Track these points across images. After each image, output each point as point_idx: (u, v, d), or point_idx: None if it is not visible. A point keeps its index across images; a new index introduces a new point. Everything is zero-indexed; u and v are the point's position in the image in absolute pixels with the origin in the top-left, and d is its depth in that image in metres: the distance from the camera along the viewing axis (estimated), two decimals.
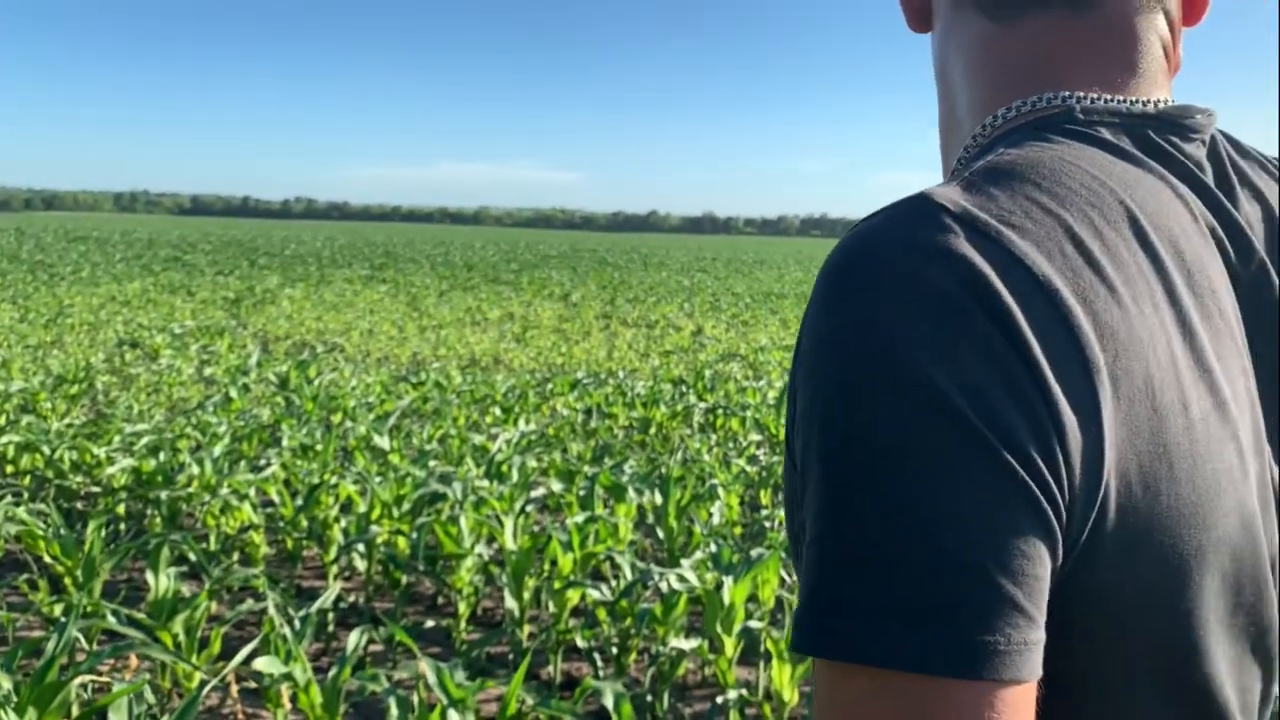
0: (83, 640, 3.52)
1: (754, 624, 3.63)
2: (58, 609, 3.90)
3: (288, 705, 3.23)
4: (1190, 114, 0.66)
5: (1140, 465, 0.53)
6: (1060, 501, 0.50)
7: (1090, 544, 0.52)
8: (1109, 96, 0.65)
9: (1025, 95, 0.66)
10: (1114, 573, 0.53)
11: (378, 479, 5.05)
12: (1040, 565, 0.49)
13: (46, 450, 5.87)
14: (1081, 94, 0.65)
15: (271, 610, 3.34)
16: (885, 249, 0.53)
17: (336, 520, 4.90)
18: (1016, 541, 0.48)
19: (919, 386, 0.49)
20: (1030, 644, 0.48)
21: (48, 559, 4.37)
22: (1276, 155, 0.71)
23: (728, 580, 3.63)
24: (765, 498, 5.99)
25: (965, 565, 0.47)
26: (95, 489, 5.75)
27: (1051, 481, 0.50)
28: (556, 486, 5.04)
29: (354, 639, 3.40)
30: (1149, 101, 0.66)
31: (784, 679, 3.48)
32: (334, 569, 4.81)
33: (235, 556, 4.98)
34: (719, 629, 3.60)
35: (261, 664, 3.01)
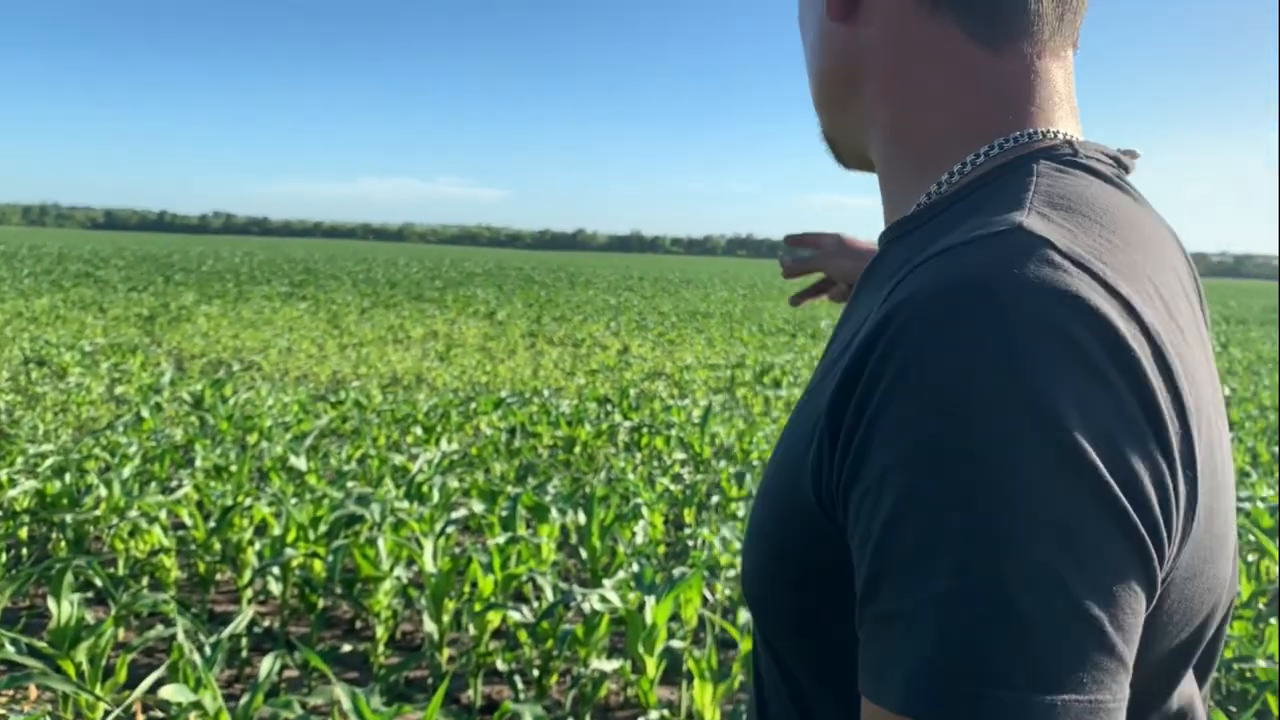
0: None
1: (676, 644, 3.62)
2: None
3: None
4: (1130, 154, 0.69)
5: (1207, 503, 0.54)
6: (1165, 551, 0.51)
7: (1165, 581, 0.53)
8: (1073, 134, 0.68)
9: (1023, 125, 0.66)
10: (1169, 603, 0.54)
11: (293, 500, 4.94)
12: (1140, 619, 0.50)
13: None
14: (1064, 130, 0.67)
15: (180, 636, 3.23)
16: (1012, 288, 0.51)
17: (251, 543, 4.78)
18: (1132, 602, 0.49)
19: (1066, 444, 0.48)
20: (1125, 698, 0.48)
21: None
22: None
23: (650, 600, 3.62)
24: (689, 516, 6.00)
25: (1099, 630, 0.47)
26: None
27: (1164, 534, 0.50)
28: (478, 507, 4.98)
29: (267, 665, 3.31)
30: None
31: (705, 699, 3.48)
32: (248, 593, 4.69)
33: (145, 581, 4.83)
34: (641, 649, 3.59)
35: (169, 692, 2.91)
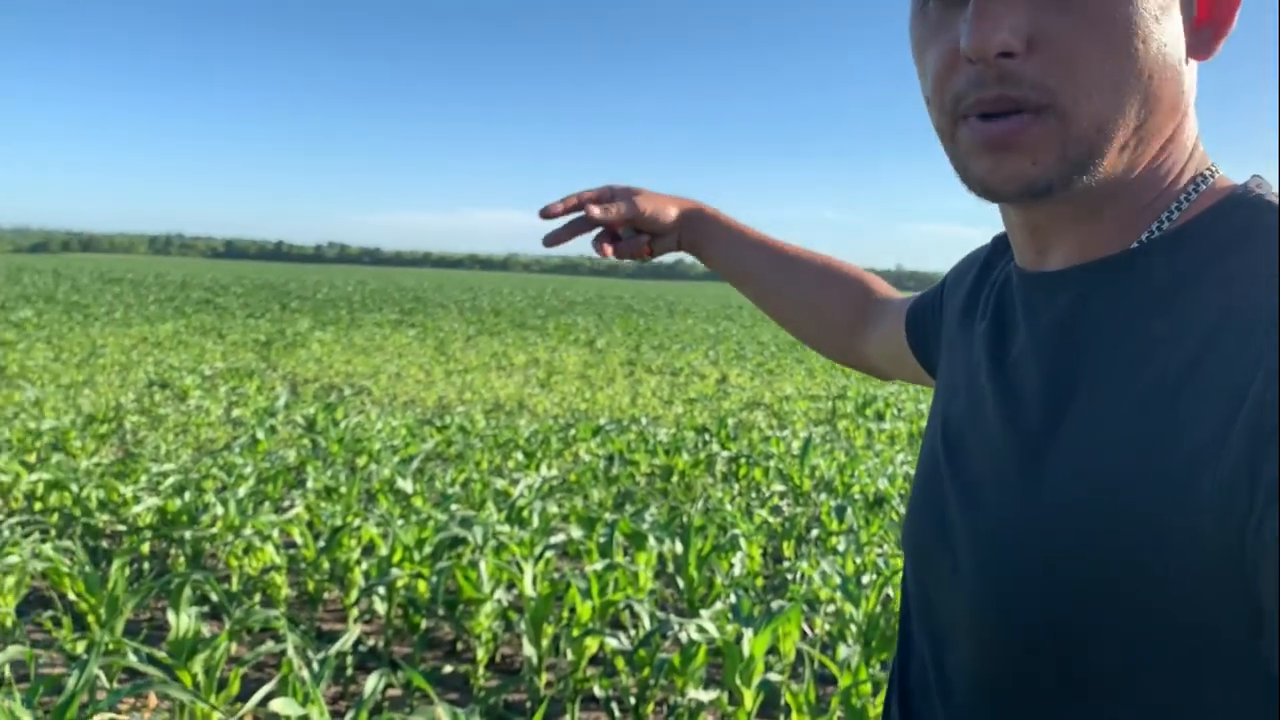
0: (104, 678, 3.53)
1: (774, 676, 3.59)
2: (80, 646, 3.92)
3: None
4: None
5: None
6: None
7: None
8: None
9: (1203, 162, 0.71)
10: None
11: (400, 522, 5.07)
12: None
13: (75, 488, 5.93)
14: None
15: (290, 652, 3.34)
16: None
17: (358, 563, 4.91)
18: None
19: None
20: None
21: (72, 596, 4.40)
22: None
23: (748, 632, 3.60)
24: (788, 549, 5.96)
25: None
26: (121, 527, 5.79)
27: None
28: (576, 533, 5.03)
29: (372, 683, 3.39)
30: None
31: None
32: (354, 612, 4.81)
33: (257, 597, 5.00)
34: (738, 681, 3.57)
35: (278, 705, 3.01)
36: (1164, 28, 0.63)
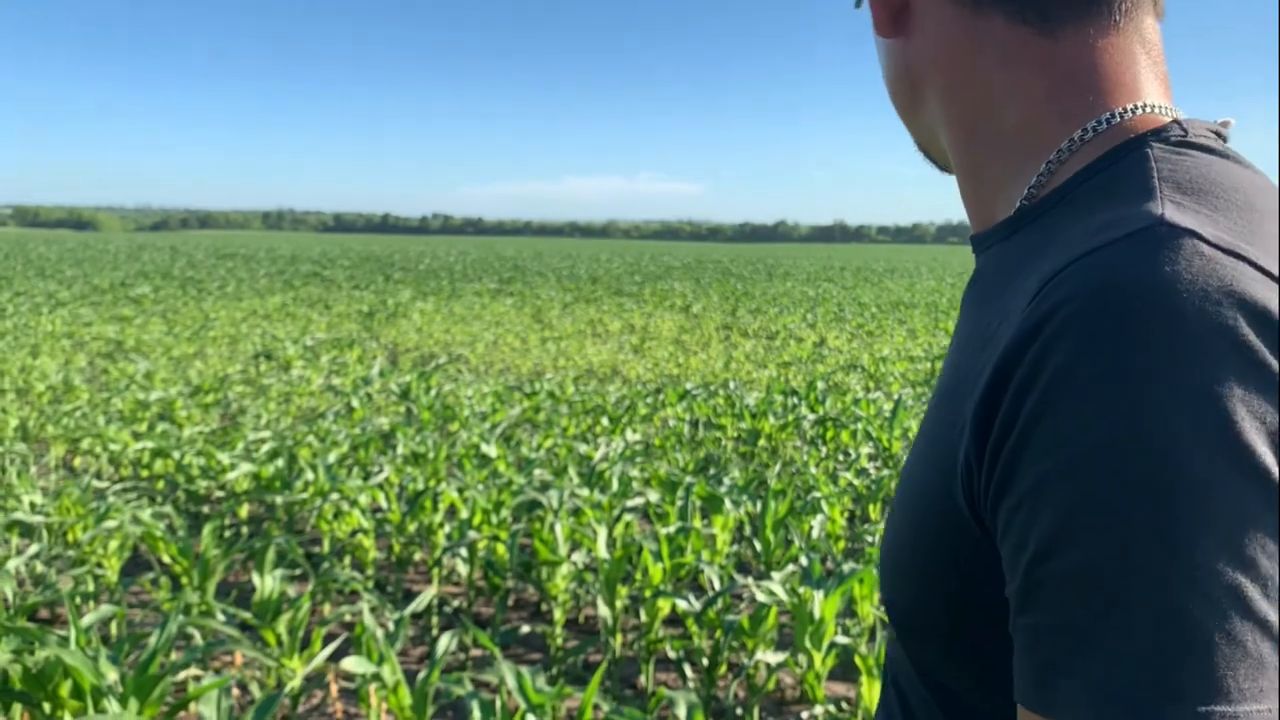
0: (198, 637, 3.69)
1: (843, 639, 3.55)
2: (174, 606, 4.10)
3: (376, 705, 3.32)
4: (1225, 124, 0.67)
5: None
6: None
7: None
8: (1168, 108, 0.65)
9: (1106, 106, 0.64)
10: None
11: (479, 487, 5.15)
12: None
13: (176, 455, 6.18)
14: (1163, 105, 0.65)
15: (365, 612, 3.43)
16: (1169, 287, 0.49)
17: (440, 526, 5.01)
18: None
19: (1238, 445, 0.46)
20: None
21: (167, 560, 4.60)
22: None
23: (818, 594, 3.56)
24: (874, 512, 5.87)
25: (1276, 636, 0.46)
26: (220, 493, 6.02)
27: None
28: (654, 497, 5.03)
29: (444, 642, 3.46)
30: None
31: (874, 697, 3.40)
32: (437, 573, 4.92)
33: (347, 560, 5.15)
34: (808, 643, 3.54)
35: (350, 664, 3.10)
36: (876, 40, 0.77)
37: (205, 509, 5.95)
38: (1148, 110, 0.64)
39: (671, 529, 4.25)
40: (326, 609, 4.56)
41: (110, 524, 4.37)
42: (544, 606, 4.89)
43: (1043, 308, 0.52)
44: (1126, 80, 0.65)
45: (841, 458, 7.16)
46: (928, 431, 0.65)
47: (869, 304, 25.24)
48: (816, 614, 3.54)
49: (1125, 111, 0.63)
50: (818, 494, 5.21)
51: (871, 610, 4.01)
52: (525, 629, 4.42)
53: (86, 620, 3.11)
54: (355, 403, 8.30)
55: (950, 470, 0.57)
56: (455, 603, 4.86)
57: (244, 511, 5.76)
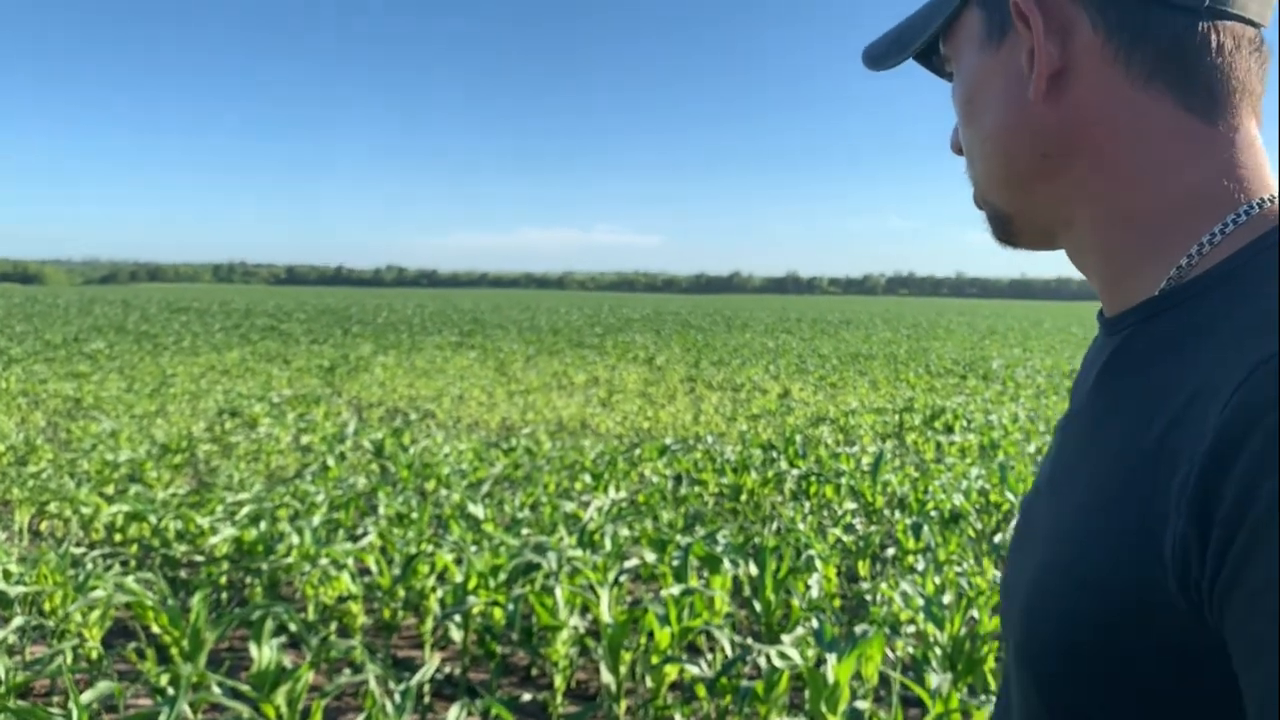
0: (188, 712, 3.56)
1: (860, 704, 3.51)
2: (165, 679, 3.96)
3: None
4: None
5: None
6: None
7: None
8: None
9: (1250, 193, 0.68)
10: None
11: (473, 548, 5.06)
12: None
13: (153, 519, 6.02)
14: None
15: (372, 684, 3.34)
16: None
17: (433, 590, 4.92)
18: None
19: None
20: None
21: (155, 629, 4.45)
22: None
23: (831, 657, 3.53)
24: (863, 569, 5.85)
25: None
26: (199, 558, 5.87)
27: None
28: (650, 556, 4.98)
29: (454, 714, 3.38)
30: None
31: None
32: (430, 639, 4.81)
33: (333, 626, 5.02)
34: (824, 708, 3.49)
35: None
36: (989, 97, 0.75)
37: (182, 573, 5.78)
38: (1275, 201, 0.68)
39: (676, 591, 4.20)
40: (313, 678, 4.43)
41: (97, 593, 4.22)
42: (535, 671, 4.79)
43: (1257, 397, 0.53)
44: (1263, 171, 0.69)
45: (826, 513, 7.16)
46: (1085, 503, 0.66)
47: (829, 355, 25.44)
48: (831, 678, 3.51)
49: (1263, 201, 0.67)
50: (811, 552, 5.19)
51: (876, 671, 3.97)
52: (526, 696, 4.34)
53: (86, 697, 3.00)
54: (330, 461, 8.16)
55: (1148, 552, 0.58)
56: (446, 669, 4.75)
57: (223, 578, 5.61)
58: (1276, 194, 0.68)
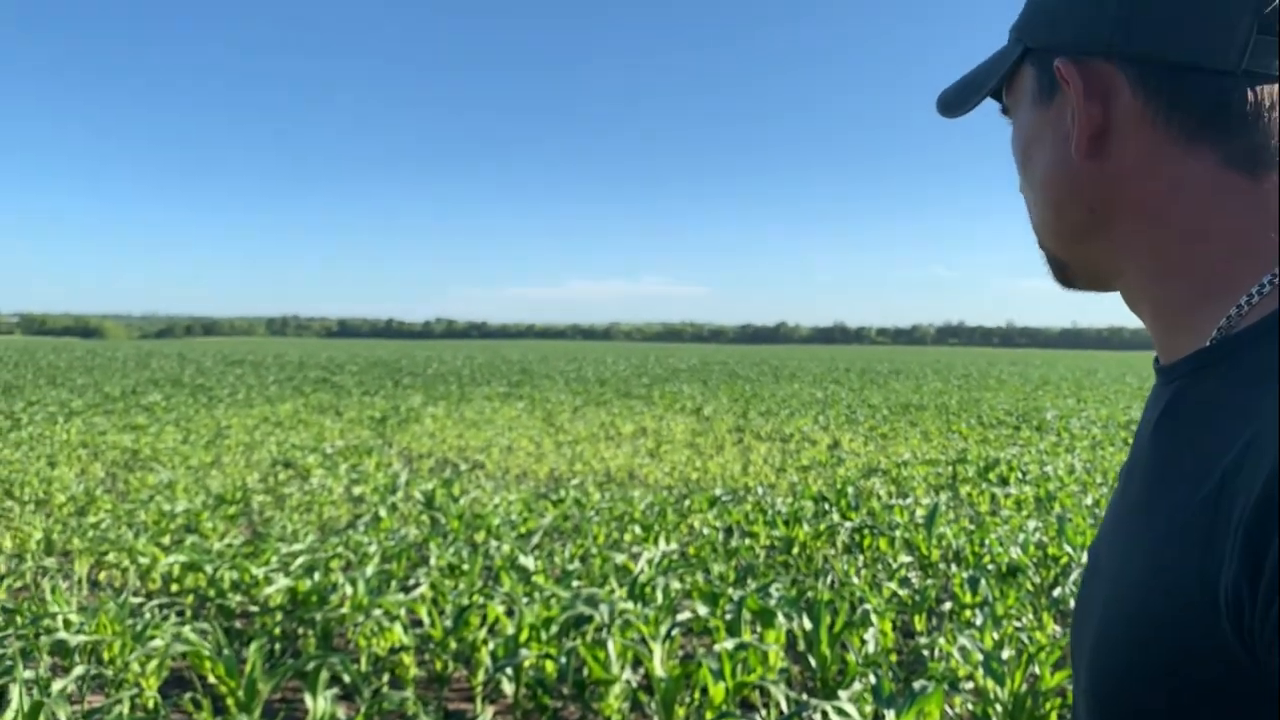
0: None
1: None
2: None
3: None
4: None
5: None
6: None
7: None
8: None
9: None
10: None
11: (525, 600, 5.05)
12: None
13: (209, 570, 6.09)
14: None
15: None
16: None
17: (485, 642, 4.90)
18: None
19: None
20: None
21: (211, 679, 4.48)
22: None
23: (889, 713, 3.46)
24: (919, 624, 5.75)
25: None
26: (253, 608, 5.91)
27: None
28: (702, 610, 4.93)
29: None
30: None
31: None
32: (481, 692, 4.79)
33: (385, 678, 5.02)
34: None
35: None
36: (1040, 151, 0.79)
37: (237, 624, 5.83)
38: None
39: (730, 645, 4.15)
40: None
41: (155, 643, 4.26)
42: None
43: None
44: None
45: (880, 567, 7.05)
46: (1146, 550, 0.66)
47: (879, 405, 25.20)
48: None
49: None
50: (867, 606, 5.11)
51: None
52: None
53: None
54: (382, 512, 8.21)
55: (1206, 597, 0.59)
56: None
57: (277, 628, 5.65)
58: None
